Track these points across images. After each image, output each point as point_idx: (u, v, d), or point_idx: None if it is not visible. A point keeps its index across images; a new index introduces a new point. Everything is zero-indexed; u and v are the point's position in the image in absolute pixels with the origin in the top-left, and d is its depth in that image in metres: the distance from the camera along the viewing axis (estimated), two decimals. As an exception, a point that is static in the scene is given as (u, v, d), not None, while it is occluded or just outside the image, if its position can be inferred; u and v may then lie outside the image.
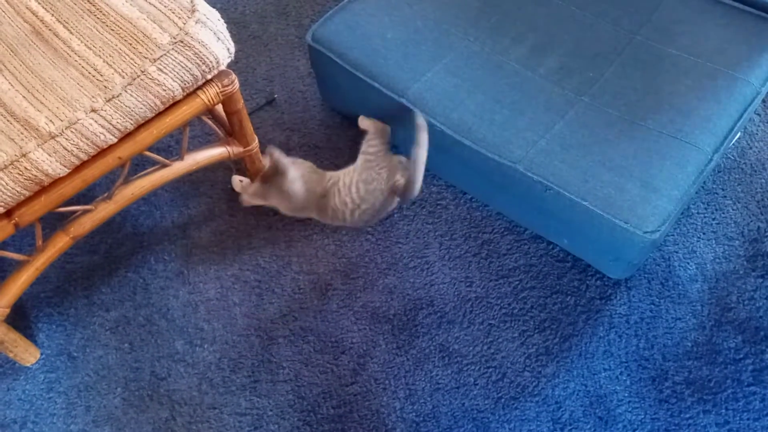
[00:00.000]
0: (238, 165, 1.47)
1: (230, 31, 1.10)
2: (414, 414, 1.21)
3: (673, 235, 1.37)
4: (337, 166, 1.40)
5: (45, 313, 1.35)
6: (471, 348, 1.26)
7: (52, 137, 0.96)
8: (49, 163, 0.96)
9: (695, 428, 1.17)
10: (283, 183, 1.30)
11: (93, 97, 0.98)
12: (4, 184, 0.95)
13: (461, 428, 1.19)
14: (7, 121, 0.97)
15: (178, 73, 1.02)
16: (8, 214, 1.01)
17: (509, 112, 1.26)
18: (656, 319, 1.28)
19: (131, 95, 1.00)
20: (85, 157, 1.01)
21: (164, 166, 1.22)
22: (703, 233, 1.37)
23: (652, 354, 1.24)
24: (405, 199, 1.32)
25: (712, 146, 1.20)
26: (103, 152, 1.04)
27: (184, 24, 1.02)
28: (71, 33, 1.04)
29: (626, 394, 1.20)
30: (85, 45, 1.03)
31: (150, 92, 1.01)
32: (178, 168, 1.24)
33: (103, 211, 1.17)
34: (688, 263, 1.33)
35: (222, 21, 1.09)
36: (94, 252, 1.42)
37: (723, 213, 1.40)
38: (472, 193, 1.44)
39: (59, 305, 1.36)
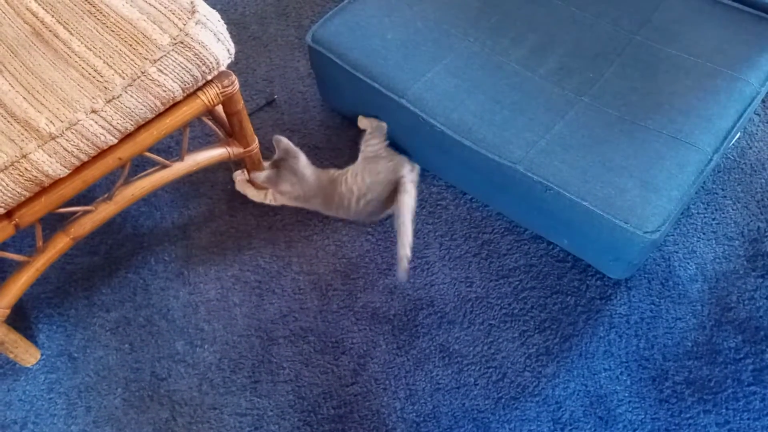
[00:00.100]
0: (238, 166, 1.47)
1: (230, 32, 1.10)
2: (414, 414, 1.21)
3: (673, 235, 1.37)
4: (338, 167, 1.40)
5: (45, 314, 1.35)
6: (471, 348, 1.27)
7: (53, 138, 0.96)
8: (50, 164, 0.96)
9: (695, 428, 1.17)
10: (297, 166, 1.33)
11: (93, 98, 0.98)
12: (5, 185, 0.95)
13: (461, 428, 1.19)
14: (8, 122, 0.98)
15: (178, 74, 1.02)
16: (8, 214, 1.01)
17: (509, 112, 1.26)
18: (656, 319, 1.28)
19: (131, 96, 1.00)
20: (85, 158, 1.01)
21: (164, 166, 1.22)
22: (703, 233, 1.37)
23: (652, 354, 1.24)
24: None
25: (711, 146, 1.20)
26: (103, 153, 1.04)
27: (184, 25, 1.02)
28: (71, 34, 1.04)
29: (626, 394, 1.21)
30: (86, 46, 1.03)
31: (150, 93, 1.01)
32: (178, 169, 1.24)
33: (103, 211, 1.17)
34: (688, 263, 1.34)
35: (222, 22, 1.09)
36: (94, 253, 1.42)
37: (723, 213, 1.40)
38: (472, 193, 1.44)
39: (59, 306, 1.36)
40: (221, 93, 1.12)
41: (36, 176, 0.96)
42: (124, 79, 0.99)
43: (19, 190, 0.97)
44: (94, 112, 0.98)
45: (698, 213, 1.40)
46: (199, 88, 1.10)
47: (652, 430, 1.17)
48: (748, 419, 1.17)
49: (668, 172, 1.17)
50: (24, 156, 0.95)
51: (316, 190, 1.36)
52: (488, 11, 1.41)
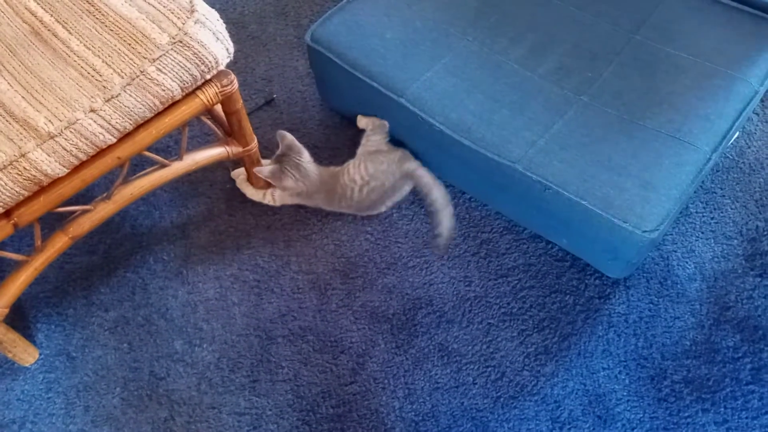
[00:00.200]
0: (236, 165, 1.48)
1: (229, 32, 1.10)
2: (413, 413, 1.21)
3: (671, 235, 1.37)
4: (337, 166, 1.40)
5: (44, 314, 1.35)
6: (470, 347, 1.27)
7: (51, 137, 0.96)
8: (48, 163, 0.96)
9: (694, 427, 1.17)
10: (300, 162, 1.34)
11: (92, 97, 0.98)
12: (3, 184, 0.95)
13: (460, 427, 1.19)
14: (6, 121, 0.97)
15: (177, 73, 1.02)
16: (7, 214, 1.01)
17: (508, 111, 1.26)
18: (655, 318, 1.28)
19: (130, 95, 1.00)
20: (84, 157, 1.01)
21: (163, 166, 1.22)
22: (702, 232, 1.38)
23: (650, 353, 1.24)
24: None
25: (710, 145, 1.20)
26: (102, 152, 1.03)
27: (183, 24, 1.02)
28: (70, 33, 1.04)
29: (625, 393, 1.21)
30: (84, 45, 1.03)
31: (149, 92, 1.01)
32: (177, 168, 1.24)
33: (102, 211, 1.17)
34: (687, 262, 1.34)
35: (221, 21, 1.09)
36: (93, 252, 1.42)
37: (721, 212, 1.40)
38: (470, 192, 1.44)
39: (58, 305, 1.36)
40: (220, 92, 1.12)
41: (35, 175, 0.96)
42: (123, 78, 0.99)
43: (17, 189, 0.96)
44: (93, 111, 0.98)
45: (697, 212, 1.40)
46: (198, 88, 1.10)
47: (651, 428, 1.17)
48: (747, 418, 1.17)
49: (667, 172, 1.17)
50: (23, 155, 0.95)
51: (318, 186, 1.37)
52: (487, 11, 1.41)
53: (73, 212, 1.16)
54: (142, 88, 1.00)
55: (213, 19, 1.07)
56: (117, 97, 0.99)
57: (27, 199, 1.01)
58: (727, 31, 1.33)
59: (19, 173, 0.95)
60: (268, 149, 1.50)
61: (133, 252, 1.42)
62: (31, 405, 1.25)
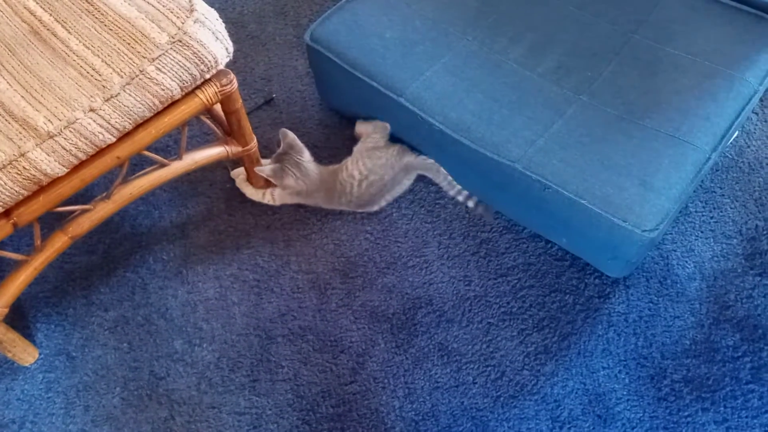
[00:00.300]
0: (236, 165, 1.47)
1: (228, 31, 1.10)
2: (413, 413, 1.21)
3: (671, 234, 1.37)
4: (336, 165, 1.40)
5: (43, 313, 1.35)
6: (470, 347, 1.27)
7: (51, 137, 0.96)
8: (48, 162, 0.96)
9: (694, 426, 1.17)
10: (301, 161, 1.35)
11: (91, 96, 0.98)
12: (3, 183, 0.95)
13: (460, 427, 1.19)
14: (6, 120, 0.97)
15: (176, 72, 1.02)
16: (7, 213, 1.01)
17: (508, 111, 1.26)
18: (655, 318, 1.28)
19: (130, 95, 1.00)
20: (83, 157, 1.01)
21: (163, 165, 1.22)
22: (702, 232, 1.38)
23: (650, 352, 1.24)
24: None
25: (710, 145, 1.20)
26: (101, 152, 1.03)
27: (183, 23, 1.02)
28: (69, 33, 1.04)
29: (625, 393, 1.21)
30: (84, 44, 1.03)
31: (148, 92, 1.01)
32: (176, 168, 1.24)
33: (101, 210, 1.17)
34: (687, 262, 1.34)
35: (220, 20, 1.09)
36: (92, 252, 1.42)
37: (721, 211, 1.40)
38: (470, 191, 1.44)
39: (58, 305, 1.36)
40: (220, 92, 1.12)
41: (34, 175, 0.96)
42: (122, 77, 0.99)
43: (17, 188, 0.96)
44: (92, 110, 0.97)
45: (696, 211, 1.40)
46: (198, 87, 1.10)
47: (651, 428, 1.17)
48: (746, 417, 1.17)
49: (666, 171, 1.17)
50: (22, 155, 0.95)
51: (318, 184, 1.37)
52: (486, 10, 1.41)
53: (72, 212, 1.16)
54: (142, 88, 1.00)
55: (212, 18, 1.07)
56: (116, 96, 0.99)
57: (26, 199, 1.01)
58: (727, 31, 1.33)
59: (19, 173, 0.95)
60: (267, 149, 1.50)
61: (132, 252, 1.42)
62: (31, 405, 1.25)
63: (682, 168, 1.17)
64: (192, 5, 1.05)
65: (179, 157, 1.24)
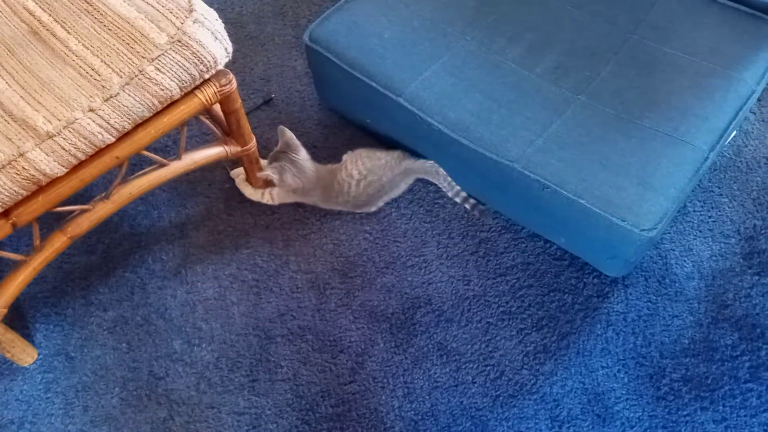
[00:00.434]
0: (235, 165, 1.48)
1: (227, 31, 1.10)
2: (412, 412, 1.21)
3: (669, 233, 1.37)
4: (334, 164, 1.41)
5: (42, 314, 1.35)
6: (469, 346, 1.27)
7: (50, 137, 0.96)
8: (47, 162, 0.96)
9: (692, 425, 1.17)
10: (297, 159, 1.36)
11: (91, 96, 0.98)
12: (2, 183, 0.95)
13: (460, 426, 1.19)
14: (5, 120, 0.97)
15: (175, 72, 1.02)
16: (6, 213, 1.01)
17: (506, 111, 1.27)
18: (653, 317, 1.28)
19: (129, 95, 1.00)
20: (82, 157, 1.01)
21: (162, 165, 1.22)
22: (700, 231, 1.38)
23: (649, 351, 1.25)
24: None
25: (708, 144, 1.20)
26: (100, 152, 1.03)
27: (182, 24, 1.02)
28: (69, 33, 1.04)
29: (624, 392, 1.21)
30: (83, 45, 1.03)
31: (148, 92, 1.01)
32: (175, 168, 1.24)
33: (100, 210, 1.17)
34: (685, 261, 1.34)
35: (219, 21, 1.09)
36: (91, 252, 1.42)
37: (719, 211, 1.40)
38: (469, 191, 1.44)
39: (57, 305, 1.36)
40: (219, 92, 1.12)
41: (33, 175, 0.96)
42: (121, 77, 0.99)
43: (16, 188, 0.96)
44: (91, 110, 0.97)
45: (695, 211, 1.40)
46: (197, 87, 1.10)
47: (650, 427, 1.18)
48: (745, 416, 1.18)
49: (665, 170, 1.17)
50: (21, 155, 0.95)
51: (315, 183, 1.38)
52: (485, 10, 1.41)
53: (71, 212, 1.16)
54: (141, 88, 1.00)
55: (211, 18, 1.07)
56: (116, 96, 0.99)
57: (25, 199, 1.01)
58: (724, 31, 1.34)
59: (18, 173, 0.95)
60: (266, 149, 1.50)
61: (131, 252, 1.42)
62: (30, 405, 1.25)
63: (681, 167, 1.17)
64: (191, 5, 1.05)
65: (178, 157, 1.24)
